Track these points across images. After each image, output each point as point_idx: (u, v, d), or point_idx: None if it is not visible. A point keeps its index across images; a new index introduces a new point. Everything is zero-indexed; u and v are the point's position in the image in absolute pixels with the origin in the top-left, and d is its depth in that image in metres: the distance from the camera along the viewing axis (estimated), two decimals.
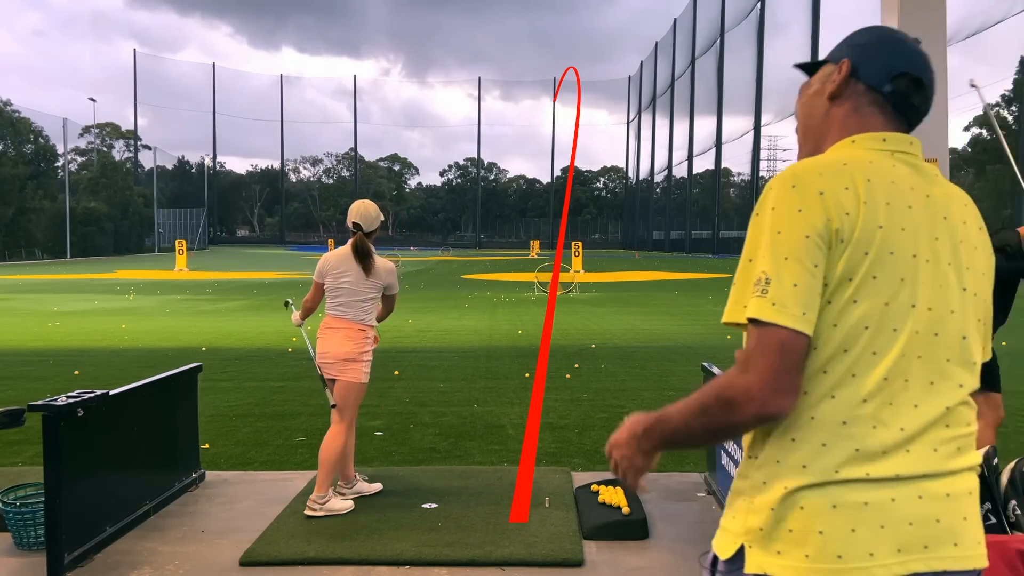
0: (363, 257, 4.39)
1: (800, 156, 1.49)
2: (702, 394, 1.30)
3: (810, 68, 1.52)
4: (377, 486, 4.63)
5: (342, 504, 4.28)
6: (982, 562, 1.29)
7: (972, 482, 1.32)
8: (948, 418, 1.30)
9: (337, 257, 4.46)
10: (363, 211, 4.51)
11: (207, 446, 5.76)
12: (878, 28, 1.47)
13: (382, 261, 4.48)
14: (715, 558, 1.37)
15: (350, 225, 4.49)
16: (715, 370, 4.48)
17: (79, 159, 78.85)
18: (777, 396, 1.22)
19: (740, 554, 1.30)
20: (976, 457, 1.34)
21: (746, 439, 1.37)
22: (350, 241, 4.47)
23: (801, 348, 1.23)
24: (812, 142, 1.48)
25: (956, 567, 1.25)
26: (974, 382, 1.33)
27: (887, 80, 1.39)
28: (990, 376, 4.10)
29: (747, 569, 1.28)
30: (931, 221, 1.32)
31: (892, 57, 1.40)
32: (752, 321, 1.24)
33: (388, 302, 4.64)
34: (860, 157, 1.34)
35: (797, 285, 1.23)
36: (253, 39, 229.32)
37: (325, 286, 4.46)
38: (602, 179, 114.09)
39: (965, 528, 1.28)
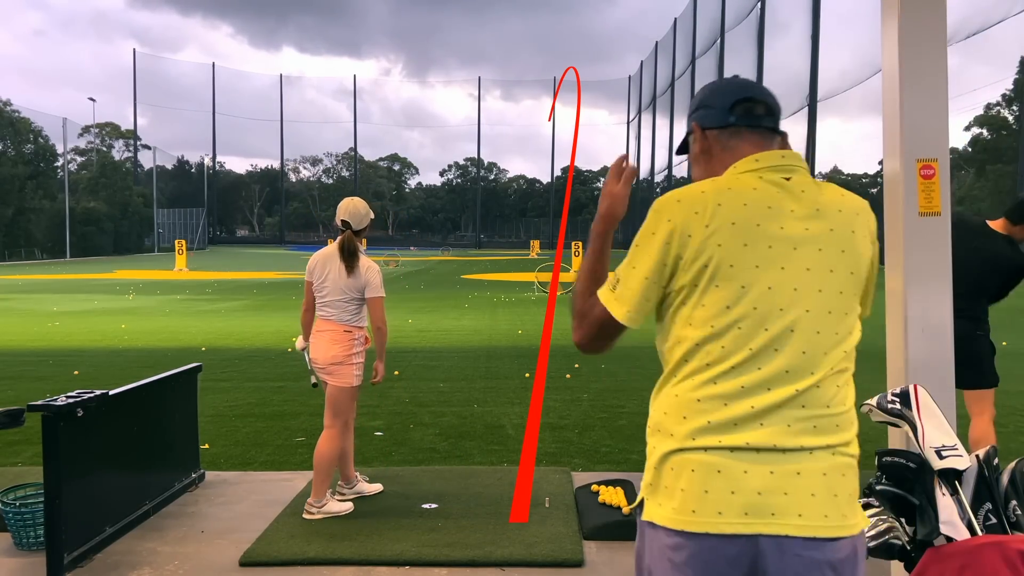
0: (349, 255, 4.29)
1: None
2: (581, 298, 1.69)
3: (685, 145, 1.81)
4: (377, 487, 4.63)
5: (341, 506, 4.27)
6: (830, 532, 1.50)
7: (828, 462, 1.52)
8: (803, 400, 1.52)
9: (323, 255, 4.40)
10: (352, 208, 4.42)
11: (207, 446, 5.75)
12: (706, 86, 1.80)
13: (367, 261, 4.36)
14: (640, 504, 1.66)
15: (338, 223, 4.40)
16: None
17: (79, 159, 78.87)
18: (586, 349, 1.69)
19: (641, 505, 1.61)
20: (842, 436, 1.55)
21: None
22: (337, 239, 4.39)
23: (615, 329, 1.64)
24: None
25: (797, 533, 1.48)
26: (826, 369, 1.55)
27: (727, 114, 1.68)
28: (986, 373, 4.10)
29: (643, 516, 1.59)
30: (787, 234, 1.56)
31: (722, 97, 1.71)
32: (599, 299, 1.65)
33: (372, 310, 4.35)
34: (721, 184, 1.62)
35: (631, 288, 1.60)
36: (254, 39, 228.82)
37: (313, 286, 4.40)
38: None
39: (811, 503, 1.49)
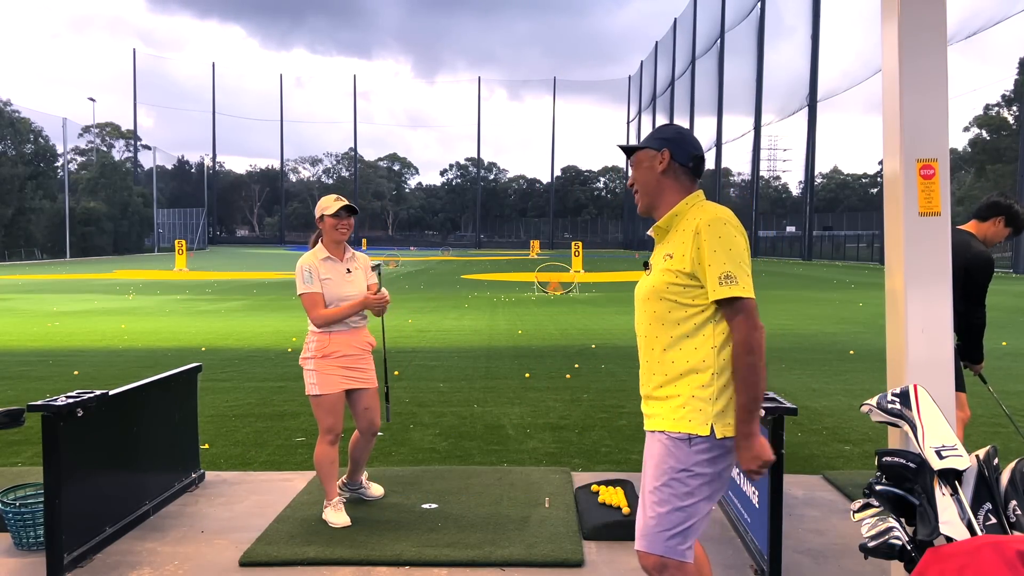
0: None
1: (640, 206, 2.47)
2: (760, 358, 2.29)
3: (631, 149, 2.46)
4: (379, 491, 4.55)
5: (334, 517, 4.12)
6: None
7: None
8: None
9: None
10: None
11: (207, 446, 5.75)
12: (675, 127, 2.48)
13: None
14: (689, 437, 2.36)
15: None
16: None
17: (79, 159, 78.82)
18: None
19: (712, 431, 2.33)
20: None
21: (711, 366, 2.37)
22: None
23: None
24: (649, 198, 2.44)
25: None
26: None
27: (689, 160, 2.41)
28: (956, 377, 4.09)
29: (717, 436, 2.32)
30: None
31: (689, 147, 2.43)
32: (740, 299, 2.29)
33: None
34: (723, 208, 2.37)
35: (750, 278, 2.29)
36: (266, 41, 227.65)
37: None
38: (602, 179, 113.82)
39: None
